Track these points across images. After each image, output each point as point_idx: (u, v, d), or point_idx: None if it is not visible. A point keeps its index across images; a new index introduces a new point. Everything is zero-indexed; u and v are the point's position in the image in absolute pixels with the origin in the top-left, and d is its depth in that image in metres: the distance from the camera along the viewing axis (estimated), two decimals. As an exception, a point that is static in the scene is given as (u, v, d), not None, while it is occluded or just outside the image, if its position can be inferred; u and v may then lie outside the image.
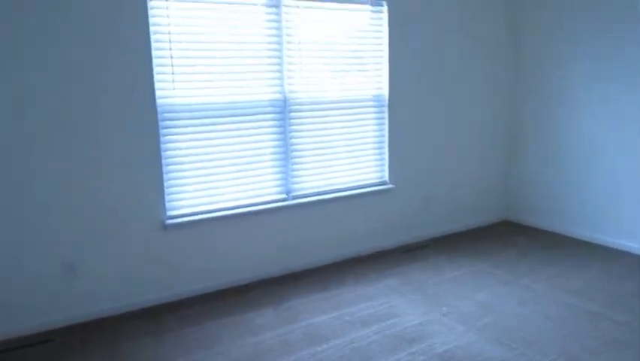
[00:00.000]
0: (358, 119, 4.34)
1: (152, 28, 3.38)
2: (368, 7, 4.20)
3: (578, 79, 4.59)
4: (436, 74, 4.64)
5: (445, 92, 4.74)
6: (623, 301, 3.47)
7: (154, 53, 3.40)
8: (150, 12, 3.36)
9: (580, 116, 4.62)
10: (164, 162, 3.55)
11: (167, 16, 3.44)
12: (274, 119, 3.94)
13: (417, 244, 4.79)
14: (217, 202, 3.82)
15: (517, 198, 5.33)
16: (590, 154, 4.58)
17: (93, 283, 3.41)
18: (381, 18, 4.27)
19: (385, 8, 4.25)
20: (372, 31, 4.26)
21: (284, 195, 4.08)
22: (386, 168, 4.55)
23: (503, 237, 4.92)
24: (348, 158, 4.36)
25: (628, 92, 4.23)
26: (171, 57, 3.48)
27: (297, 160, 4.09)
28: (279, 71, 3.89)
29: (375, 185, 4.51)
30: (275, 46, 3.84)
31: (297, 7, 3.88)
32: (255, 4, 3.72)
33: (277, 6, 3.79)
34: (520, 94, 5.16)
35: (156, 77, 3.44)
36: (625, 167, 4.32)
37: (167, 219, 3.61)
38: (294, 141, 4.05)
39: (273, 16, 3.80)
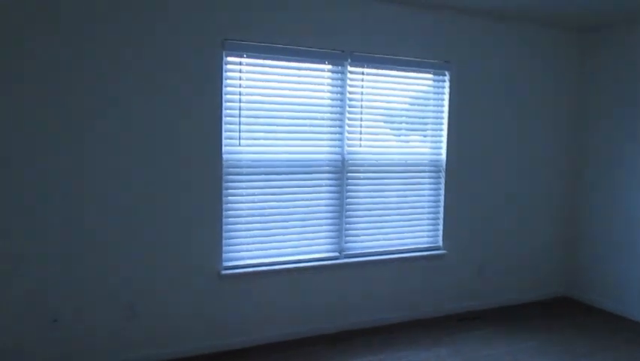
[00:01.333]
0: (415, 183, 4.38)
1: (225, 82, 3.60)
2: (430, 75, 4.32)
3: (644, 155, 4.48)
4: (496, 140, 4.65)
5: (506, 161, 4.72)
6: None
7: (225, 107, 3.62)
8: (225, 67, 3.60)
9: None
10: (224, 213, 3.69)
11: (240, 71, 3.67)
12: (332, 178, 4.04)
13: (469, 313, 4.65)
14: (272, 256, 3.90)
15: (579, 274, 5.12)
16: (657, 233, 4.38)
17: (148, 328, 3.51)
18: (443, 85, 4.37)
19: (447, 77, 4.36)
20: (432, 97, 4.36)
21: (336, 253, 4.11)
22: (440, 233, 4.51)
23: (562, 314, 4.70)
24: (403, 220, 4.37)
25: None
26: (239, 114, 3.68)
27: (351, 219, 4.14)
28: (340, 133, 4.02)
29: (428, 250, 4.47)
30: (338, 108, 3.99)
31: (362, 73, 4.05)
32: (322, 69, 3.92)
33: (342, 72, 3.97)
34: (586, 159, 5.07)
35: (225, 133, 3.64)
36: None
37: (223, 269, 3.71)
38: (349, 200, 4.12)
39: (337, 81, 3.97)
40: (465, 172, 4.53)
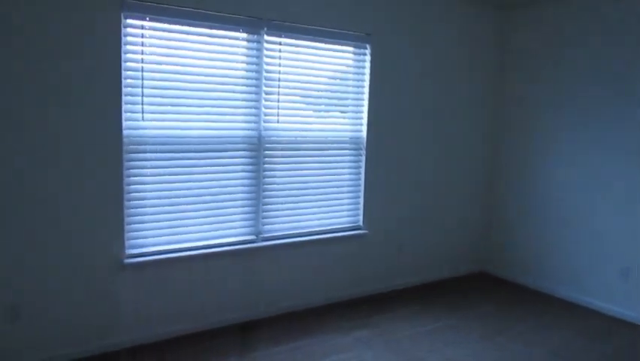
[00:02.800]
0: (335, 161, 4.21)
1: (125, 48, 3.18)
2: (350, 47, 4.13)
3: (563, 130, 4.61)
4: (417, 119, 4.58)
5: (425, 138, 4.67)
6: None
7: (124, 76, 3.21)
8: (124, 31, 3.17)
9: (565, 169, 4.62)
10: (126, 196, 3.31)
11: (142, 37, 3.26)
12: (247, 156, 3.76)
13: (391, 292, 4.61)
14: (182, 241, 3.57)
15: (495, 251, 5.26)
16: (573, 210, 4.55)
17: (37, 328, 3.08)
18: (364, 59, 4.21)
19: (368, 50, 4.19)
20: (353, 72, 4.18)
21: (253, 237, 3.86)
22: (361, 212, 4.40)
23: (479, 290, 4.80)
24: (323, 200, 4.19)
25: (613, 147, 4.25)
26: (142, 85, 3.28)
27: (269, 200, 3.90)
28: (256, 108, 3.73)
29: (349, 230, 4.35)
30: (254, 81, 3.70)
31: (279, 43, 3.77)
32: (237, 38, 3.59)
33: (259, 41, 3.68)
34: (503, 143, 5.16)
35: (125, 106, 3.23)
36: (607, 226, 4.30)
37: (126, 258, 3.34)
38: (267, 180, 3.87)
39: (253, 51, 3.67)
40: (385, 150, 4.43)
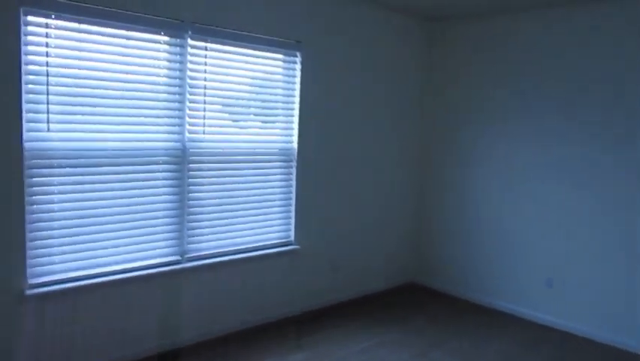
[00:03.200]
0: (265, 174, 3.99)
1: (25, 49, 2.78)
2: (281, 55, 3.94)
3: (491, 142, 4.68)
4: (348, 130, 4.47)
5: (356, 150, 4.57)
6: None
7: (25, 82, 2.80)
8: (25, 29, 2.78)
9: (493, 180, 4.69)
10: (28, 217, 2.89)
11: (47, 36, 2.87)
12: (170, 170, 3.45)
13: (324, 309, 4.45)
14: (95, 266, 3.19)
15: (425, 262, 5.25)
16: (501, 220, 4.63)
17: None
18: (294, 67, 4.03)
19: (299, 58, 4.03)
20: (283, 80, 3.99)
21: (177, 257, 3.55)
22: (292, 227, 4.21)
23: (412, 303, 4.75)
24: (252, 216, 3.96)
25: (538, 159, 4.37)
26: (47, 92, 2.89)
27: (194, 217, 3.61)
28: (180, 117, 3.44)
29: (280, 245, 4.14)
30: (177, 88, 3.40)
31: (205, 48, 3.51)
32: (158, 41, 3.29)
33: (182, 46, 3.39)
34: (433, 154, 5.18)
35: (26, 115, 2.83)
36: (534, 236, 4.40)
37: (29, 288, 2.92)
38: (192, 195, 3.58)
39: (176, 56, 3.38)
40: (317, 161, 4.28)
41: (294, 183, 4.16)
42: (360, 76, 4.50)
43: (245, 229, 3.92)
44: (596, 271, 3.98)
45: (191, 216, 3.59)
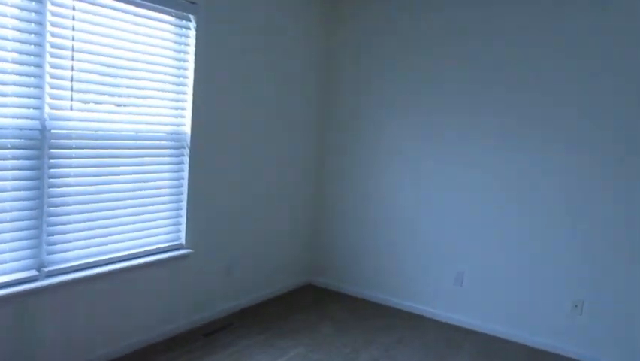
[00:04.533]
0: (151, 163, 3.24)
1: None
2: (171, 17, 3.21)
3: (393, 130, 4.39)
4: (247, 116, 3.87)
5: (256, 138, 3.99)
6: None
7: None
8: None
9: (396, 174, 4.41)
10: None
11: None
12: (21, 157, 2.57)
13: (222, 320, 3.82)
14: None
15: (325, 261, 4.84)
16: (406, 216, 4.37)
17: None
18: (187, 35, 3.32)
19: (193, 23, 3.32)
20: (174, 49, 3.26)
21: (33, 272, 2.68)
22: (183, 228, 3.51)
23: (314, 307, 4.31)
24: (134, 215, 3.20)
25: (445, 149, 4.16)
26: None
27: (57, 219, 2.77)
28: (37, 86, 2.57)
29: (168, 250, 3.42)
30: (31, 48, 2.53)
31: (73, 8, 2.66)
32: (2, -21, 2.39)
33: (40, 1, 2.53)
34: (332, 145, 4.76)
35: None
36: (443, 231, 4.21)
37: None
38: (54, 190, 2.73)
39: (31, 14, 2.51)
40: (212, 150, 3.62)
41: (185, 174, 3.46)
42: (263, 48, 3.91)
43: (124, 232, 3.15)
44: (510, 265, 3.91)
45: (52, 218, 2.74)
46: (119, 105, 3.00)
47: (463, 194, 4.05)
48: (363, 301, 4.49)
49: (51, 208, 2.72)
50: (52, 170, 2.70)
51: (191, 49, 3.35)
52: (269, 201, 4.25)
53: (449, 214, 4.12)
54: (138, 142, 3.14)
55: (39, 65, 2.56)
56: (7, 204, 2.54)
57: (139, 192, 3.19)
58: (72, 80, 2.72)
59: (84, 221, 2.91)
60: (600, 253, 3.55)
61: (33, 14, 2.51)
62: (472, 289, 4.07)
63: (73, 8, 2.68)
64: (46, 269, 2.74)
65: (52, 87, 2.63)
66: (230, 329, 3.68)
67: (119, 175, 3.06)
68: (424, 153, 4.21)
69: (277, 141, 4.23)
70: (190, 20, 3.31)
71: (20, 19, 2.47)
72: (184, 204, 3.48)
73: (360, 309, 4.31)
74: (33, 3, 2.50)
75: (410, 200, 4.30)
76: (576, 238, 3.63)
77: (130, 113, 3.07)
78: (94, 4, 2.76)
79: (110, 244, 3.08)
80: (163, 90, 3.25)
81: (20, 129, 2.53)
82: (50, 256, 2.76)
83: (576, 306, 3.66)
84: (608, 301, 3.55)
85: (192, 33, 3.34)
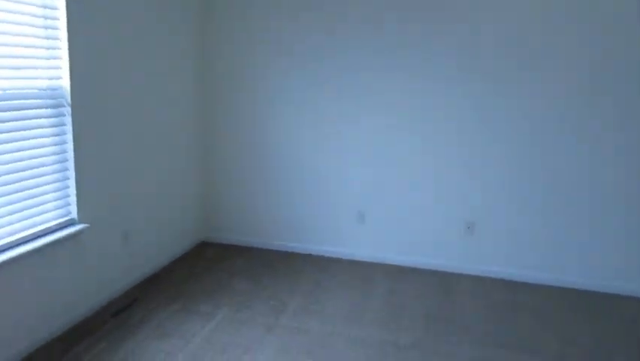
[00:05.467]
0: (23, 128, 2.64)
1: None
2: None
3: (286, 76, 4.18)
4: (128, 66, 3.33)
5: (139, 91, 3.47)
6: (390, 318, 3.30)
7: None
8: None
9: (293, 118, 4.24)
10: None
11: None
12: None
13: (125, 296, 3.42)
14: None
15: (218, 217, 4.57)
16: (303, 160, 4.27)
17: None
18: (52, -35, 2.67)
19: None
20: (35, -17, 2.61)
21: None
22: (74, 200, 2.98)
23: (217, 263, 4.09)
24: (10, 195, 2.61)
25: (338, 92, 4.10)
26: None
27: None
28: None
29: (58, 229, 2.90)
30: None
31: None
32: None
33: None
34: (221, 96, 4.37)
35: None
36: (342, 173, 4.21)
37: None
38: None
39: None
40: (97, 106, 3.07)
41: (69, 137, 2.90)
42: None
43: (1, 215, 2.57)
44: (410, 199, 4.11)
45: None
46: (-24, 57, 2.33)
47: (363, 136, 4.09)
48: (268, 252, 4.40)
49: None
50: None
51: (60, -18, 2.71)
52: (159, 161, 3.81)
53: (347, 156, 4.15)
54: (3, 103, 2.51)
55: None
56: None
57: (12, 165, 2.59)
58: None
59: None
60: (488, 181, 3.92)
61: None
62: (373, 225, 4.22)
63: None
64: None
65: None
66: (135, 306, 3.33)
67: (-11, 147, 2.44)
68: (322, 98, 4.12)
69: (162, 97, 3.76)
70: (54, -55, 2.66)
71: None
72: (72, 173, 2.94)
73: (266, 260, 4.22)
74: None
75: (308, 145, 4.22)
76: (468, 168, 3.93)
77: (-7, 67, 2.42)
78: None
79: (-12, 232, 2.49)
80: (33, 36, 2.60)
81: None
82: None
83: (468, 228, 4.04)
84: (495, 222, 3.97)
85: (58, -38, 2.69)
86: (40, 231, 2.78)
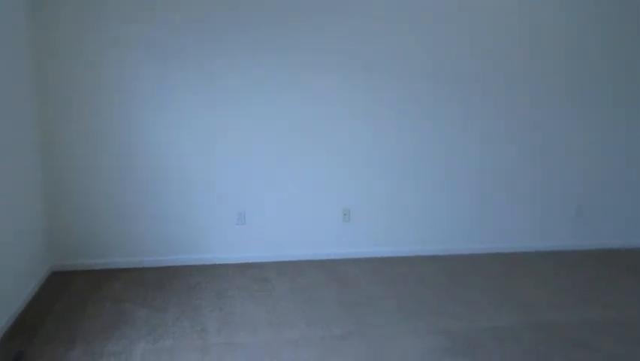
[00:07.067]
0: None
1: None
2: None
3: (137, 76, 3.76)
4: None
5: None
6: (310, 313, 3.34)
7: None
8: None
9: (139, 129, 3.84)
10: None
11: None
12: None
13: (4, 354, 2.70)
14: None
15: (70, 243, 3.89)
16: (168, 173, 3.92)
17: None
18: None
19: None
20: None
21: None
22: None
23: (94, 293, 3.52)
24: None
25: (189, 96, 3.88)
26: None
27: None
28: None
29: None
30: None
31: None
32: None
33: None
34: (61, 105, 3.69)
35: None
36: (219, 176, 4.00)
37: None
38: None
39: None
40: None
41: None
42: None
43: None
44: (288, 195, 4.15)
45: None
46: None
47: (236, 137, 3.98)
48: (145, 271, 3.95)
49: None
50: None
51: None
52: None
53: (222, 159, 3.99)
54: None
55: None
56: None
57: None
58: None
59: None
60: (361, 171, 4.23)
61: None
62: (256, 225, 4.16)
63: None
64: None
65: None
66: (26, 358, 2.69)
67: None
68: (186, 102, 3.85)
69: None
70: None
71: None
72: None
73: (150, 279, 3.79)
74: None
75: (178, 149, 3.91)
76: (343, 159, 4.18)
77: None
78: None
79: None
80: None
81: None
82: None
83: (345, 215, 4.30)
84: (370, 206, 4.32)
85: None
86: None
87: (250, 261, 4.20)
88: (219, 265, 4.12)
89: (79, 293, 3.54)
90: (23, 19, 3.40)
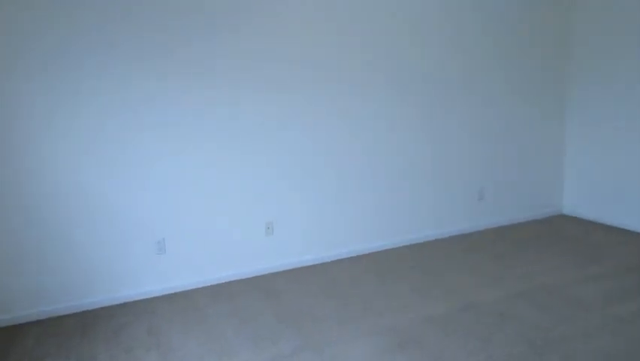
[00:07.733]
0: None
1: None
2: None
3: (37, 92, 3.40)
4: None
5: None
6: (256, 335, 3.25)
7: None
8: None
9: (70, 151, 3.48)
10: None
11: None
12: None
13: None
14: None
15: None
16: (79, 193, 3.59)
17: None
18: None
19: None
20: None
21: None
22: None
23: (10, 358, 3.12)
24: None
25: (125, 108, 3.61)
26: None
27: None
28: None
29: None
30: None
31: None
32: None
33: None
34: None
35: None
36: (139, 204, 3.73)
37: None
38: None
39: None
40: None
41: None
42: None
43: None
44: (207, 219, 4.00)
45: None
46: None
47: (139, 159, 3.76)
48: (67, 318, 3.57)
49: None
50: None
51: None
52: None
53: (130, 183, 3.75)
54: None
55: None
56: None
57: None
58: None
59: None
60: (282, 187, 4.21)
61: None
62: (177, 251, 3.95)
63: None
64: None
65: None
66: None
67: None
68: (101, 127, 3.56)
69: None
70: None
71: None
72: None
73: (70, 328, 3.43)
74: None
75: (84, 187, 3.59)
76: (265, 174, 4.13)
77: None
78: None
79: None
80: None
81: None
82: None
83: (268, 228, 4.25)
84: (292, 219, 4.31)
85: None
86: None
87: (177, 290, 3.98)
88: (144, 299, 3.86)
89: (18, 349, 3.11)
90: None
